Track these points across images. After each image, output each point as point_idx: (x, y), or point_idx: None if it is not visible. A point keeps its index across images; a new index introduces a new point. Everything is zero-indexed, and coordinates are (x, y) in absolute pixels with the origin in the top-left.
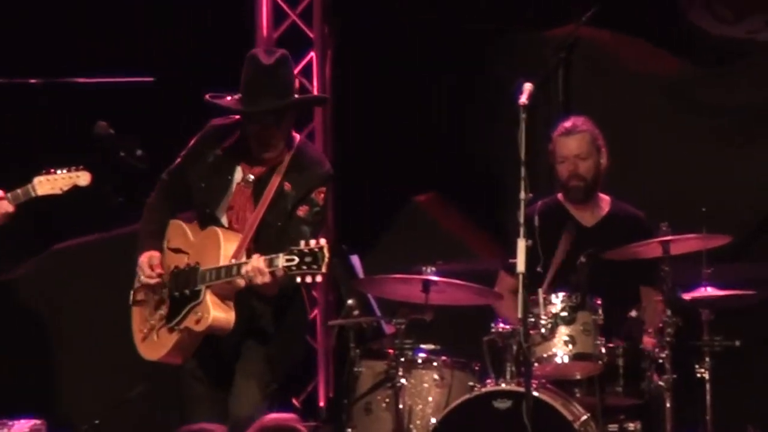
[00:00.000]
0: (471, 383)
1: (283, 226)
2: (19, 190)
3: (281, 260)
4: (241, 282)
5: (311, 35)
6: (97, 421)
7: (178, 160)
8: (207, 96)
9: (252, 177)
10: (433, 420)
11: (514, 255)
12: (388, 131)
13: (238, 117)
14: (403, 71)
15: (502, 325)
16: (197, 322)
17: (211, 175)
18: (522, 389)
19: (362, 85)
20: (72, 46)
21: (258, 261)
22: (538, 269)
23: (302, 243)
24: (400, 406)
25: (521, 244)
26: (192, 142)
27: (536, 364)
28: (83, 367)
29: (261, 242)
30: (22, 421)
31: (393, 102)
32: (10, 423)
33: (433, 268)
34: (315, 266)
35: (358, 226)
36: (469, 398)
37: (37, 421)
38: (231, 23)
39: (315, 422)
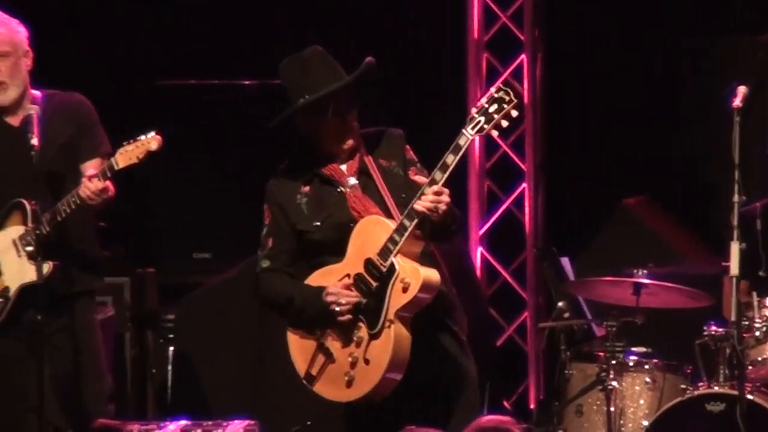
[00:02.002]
0: (683, 386)
1: (411, 194)
2: (104, 166)
3: (468, 132)
4: (424, 210)
5: (522, 37)
6: (309, 423)
7: (269, 240)
8: (271, 125)
9: (353, 179)
10: (645, 423)
11: (727, 258)
12: (598, 134)
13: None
14: (614, 74)
15: (714, 327)
16: (405, 290)
17: (317, 209)
18: (735, 392)
19: (572, 88)
20: (278, 46)
21: (429, 189)
22: (761, 273)
23: (474, 113)
24: (612, 409)
25: (734, 248)
26: (268, 210)
27: (750, 367)
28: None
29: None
30: (236, 421)
31: (603, 104)
32: (225, 423)
33: (645, 271)
34: (506, 102)
35: (569, 228)
36: (681, 401)
37: (251, 422)
38: (440, 26)
39: (526, 424)
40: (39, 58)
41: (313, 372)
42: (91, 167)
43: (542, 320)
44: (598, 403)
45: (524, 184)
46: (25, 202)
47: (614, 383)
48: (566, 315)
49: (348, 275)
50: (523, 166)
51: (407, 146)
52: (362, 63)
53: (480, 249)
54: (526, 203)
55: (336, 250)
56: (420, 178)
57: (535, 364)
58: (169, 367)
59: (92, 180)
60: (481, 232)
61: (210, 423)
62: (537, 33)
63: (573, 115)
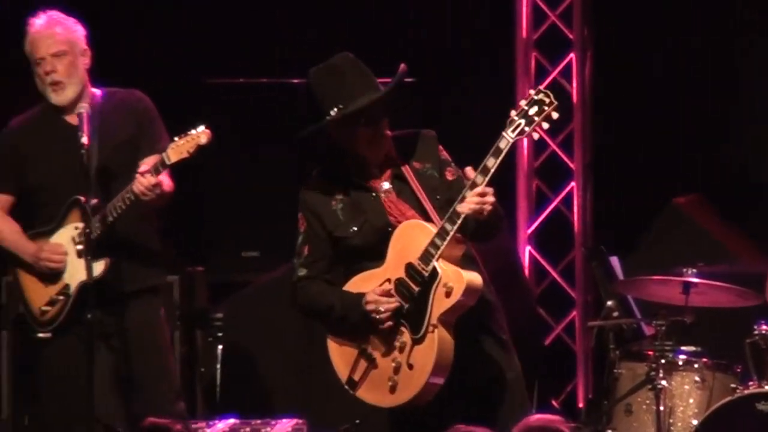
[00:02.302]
0: (733, 385)
1: (447, 196)
2: (157, 162)
3: (508, 136)
4: (469, 212)
5: (571, 36)
6: (357, 421)
7: (305, 248)
8: (297, 137)
9: (387, 184)
10: (695, 422)
11: None
12: (648, 132)
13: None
14: (663, 72)
15: (765, 326)
16: (448, 294)
17: (353, 215)
18: None
19: (621, 86)
20: (325, 45)
21: (477, 176)
22: None
23: (514, 115)
24: (661, 408)
25: None
26: (302, 218)
27: None
28: None
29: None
30: (284, 420)
31: (652, 103)
32: (273, 422)
33: (694, 270)
34: (546, 104)
35: (618, 227)
36: (731, 400)
37: (299, 421)
38: (488, 24)
39: (575, 423)
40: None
41: (356, 377)
42: (148, 164)
43: (591, 319)
44: (648, 402)
45: (573, 183)
46: (82, 199)
47: (663, 382)
48: (615, 314)
49: (388, 280)
50: (571, 165)
51: (440, 146)
52: (397, 72)
53: (528, 248)
54: (575, 202)
55: (374, 255)
56: (451, 174)
57: (583, 363)
58: (218, 366)
59: (145, 175)
60: (530, 231)
61: (258, 422)
62: (586, 32)
63: (622, 113)
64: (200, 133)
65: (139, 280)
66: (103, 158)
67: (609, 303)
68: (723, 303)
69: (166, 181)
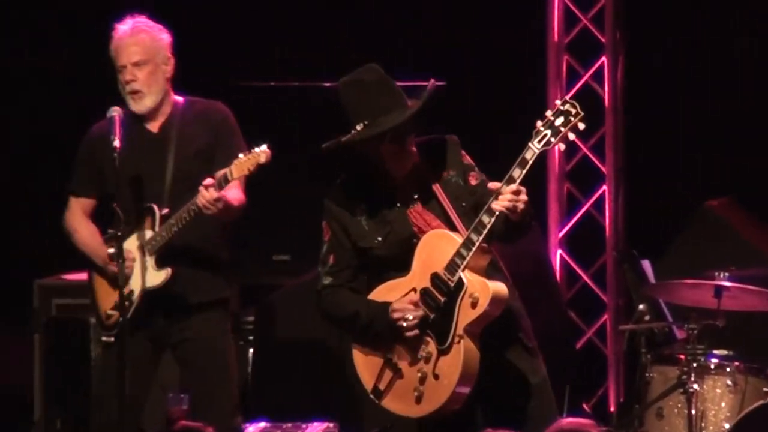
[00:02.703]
0: (765, 389)
1: (471, 202)
2: (220, 176)
3: (534, 146)
4: (502, 209)
5: (603, 40)
6: (390, 425)
7: (330, 257)
8: (323, 149)
9: (411, 195)
10: (726, 426)
11: None
12: (679, 135)
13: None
14: (695, 75)
15: None
16: (474, 305)
17: (378, 225)
18: None
19: (653, 89)
20: (360, 50)
21: (505, 189)
22: None
23: (540, 126)
24: (693, 412)
25: None
26: (327, 227)
27: None
28: None
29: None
30: (316, 423)
31: (683, 106)
32: (305, 426)
33: (726, 274)
34: (573, 114)
35: (649, 230)
36: (763, 404)
37: (330, 424)
38: (518, 27)
39: (606, 427)
40: None
41: (381, 387)
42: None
43: (622, 323)
44: (679, 406)
45: (604, 187)
46: (155, 207)
47: (695, 386)
48: (647, 318)
49: (414, 290)
50: (603, 169)
51: (463, 152)
52: (427, 90)
53: (559, 252)
54: (606, 206)
55: (399, 265)
56: (492, 184)
57: (614, 367)
58: (249, 369)
59: (208, 189)
60: (561, 234)
61: (290, 425)
62: (618, 35)
63: (653, 117)
64: (261, 152)
65: (205, 291)
66: (178, 167)
67: (640, 307)
68: (755, 306)
69: (235, 194)
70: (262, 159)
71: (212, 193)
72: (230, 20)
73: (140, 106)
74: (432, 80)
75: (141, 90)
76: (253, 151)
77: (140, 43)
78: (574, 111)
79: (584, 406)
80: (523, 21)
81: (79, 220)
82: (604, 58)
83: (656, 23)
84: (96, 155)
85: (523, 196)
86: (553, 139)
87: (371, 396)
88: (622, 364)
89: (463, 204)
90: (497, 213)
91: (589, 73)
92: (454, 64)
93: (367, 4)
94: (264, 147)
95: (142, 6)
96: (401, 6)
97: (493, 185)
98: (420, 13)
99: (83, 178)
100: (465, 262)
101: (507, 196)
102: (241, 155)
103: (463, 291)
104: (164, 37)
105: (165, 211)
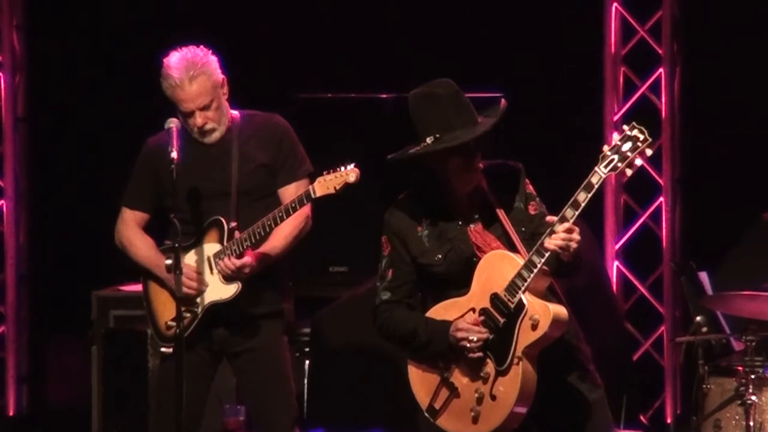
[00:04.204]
0: None
1: (530, 229)
2: (302, 194)
3: (600, 171)
4: (555, 248)
5: (660, 51)
6: None
7: (389, 271)
8: (390, 160)
9: (474, 214)
10: None
11: None
12: (737, 147)
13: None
14: (753, 87)
15: None
16: (534, 327)
17: (439, 243)
18: None
19: (710, 101)
20: (419, 61)
21: (560, 226)
22: None
23: (607, 150)
24: (751, 424)
25: None
26: (387, 241)
27: None
28: None
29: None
30: None
31: (741, 117)
32: None
33: None
34: (640, 140)
35: (707, 242)
36: None
37: None
38: (576, 39)
39: None
40: None
41: (437, 406)
42: (287, 193)
43: (679, 334)
44: (737, 417)
45: (661, 198)
46: (223, 220)
47: (753, 398)
48: (704, 329)
49: (473, 309)
50: (660, 180)
51: (526, 180)
52: (498, 107)
53: (616, 263)
54: (663, 217)
55: (458, 284)
56: (551, 217)
57: (672, 379)
58: (305, 380)
59: (231, 259)
60: (618, 246)
61: None
62: (675, 46)
63: (711, 128)
64: (350, 171)
65: (267, 303)
66: (242, 181)
67: (698, 318)
68: None
69: (285, 232)
70: (351, 179)
71: (234, 262)
72: (288, 31)
73: (212, 138)
74: (503, 100)
75: (214, 127)
76: (339, 169)
77: (201, 87)
78: (642, 137)
79: (641, 418)
80: (580, 33)
81: (135, 232)
82: (661, 70)
83: (714, 33)
84: (152, 167)
85: (576, 236)
86: (620, 165)
87: (426, 414)
88: (679, 375)
89: (523, 229)
90: (548, 253)
91: (646, 84)
92: (512, 77)
93: (425, 18)
94: (352, 166)
95: (200, 19)
96: (459, 19)
97: (550, 219)
98: (476, 25)
99: (138, 190)
100: (526, 284)
101: (560, 235)
102: (325, 173)
103: (523, 313)
104: (215, 65)
105: (233, 224)
